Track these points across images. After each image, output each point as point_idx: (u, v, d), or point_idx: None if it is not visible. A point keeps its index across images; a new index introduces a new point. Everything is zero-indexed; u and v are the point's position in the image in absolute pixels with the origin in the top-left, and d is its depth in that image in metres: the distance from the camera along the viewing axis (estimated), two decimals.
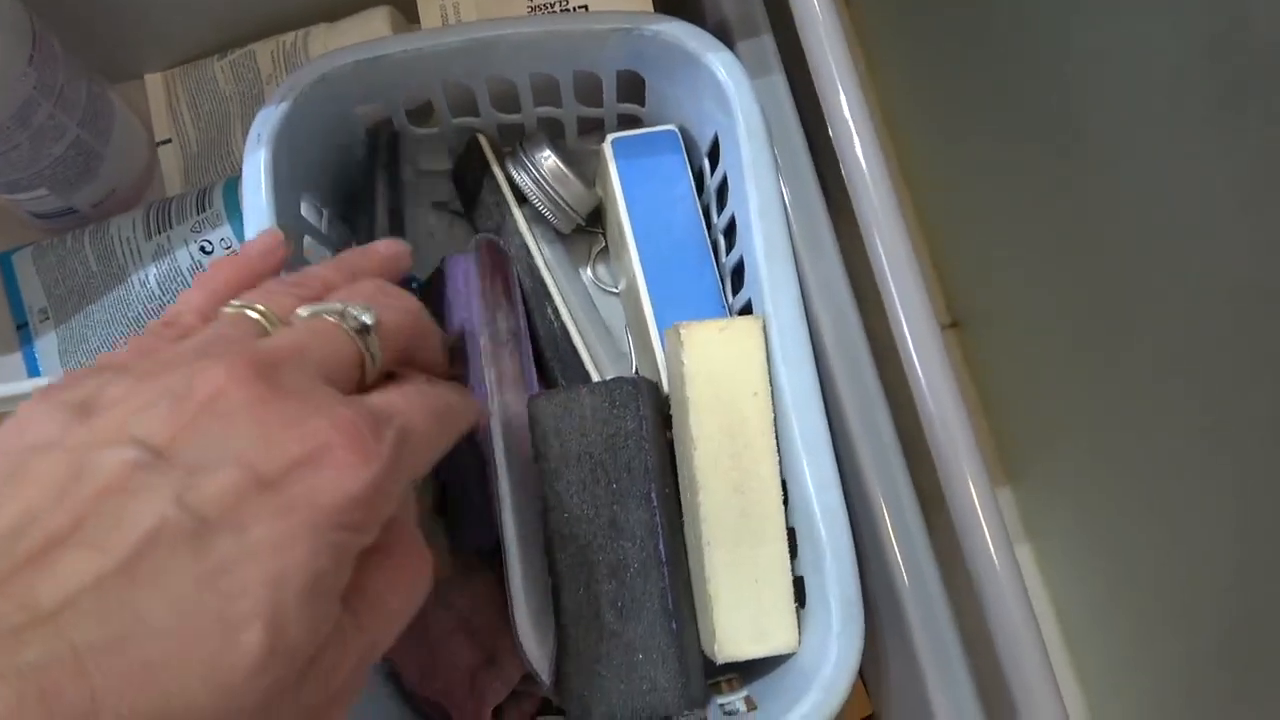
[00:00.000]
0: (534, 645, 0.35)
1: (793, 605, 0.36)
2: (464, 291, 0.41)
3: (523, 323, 0.43)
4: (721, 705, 0.38)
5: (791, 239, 0.38)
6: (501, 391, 0.38)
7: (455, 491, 0.39)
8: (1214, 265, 0.32)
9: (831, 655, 0.34)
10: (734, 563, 0.36)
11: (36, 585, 0.17)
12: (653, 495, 0.36)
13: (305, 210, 0.41)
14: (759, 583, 0.36)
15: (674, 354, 0.38)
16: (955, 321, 0.56)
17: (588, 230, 0.49)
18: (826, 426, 0.36)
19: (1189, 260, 0.34)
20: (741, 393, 0.37)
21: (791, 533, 0.37)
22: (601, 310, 0.48)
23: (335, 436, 0.20)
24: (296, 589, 0.19)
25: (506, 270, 0.43)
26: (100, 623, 0.16)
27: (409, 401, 0.24)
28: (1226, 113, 0.30)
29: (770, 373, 0.37)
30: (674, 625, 0.36)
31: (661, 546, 0.36)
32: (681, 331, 0.37)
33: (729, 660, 0.36)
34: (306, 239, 0.41)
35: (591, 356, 0.45)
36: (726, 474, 0.36)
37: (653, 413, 0.39)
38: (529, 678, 0.40)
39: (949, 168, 0.53)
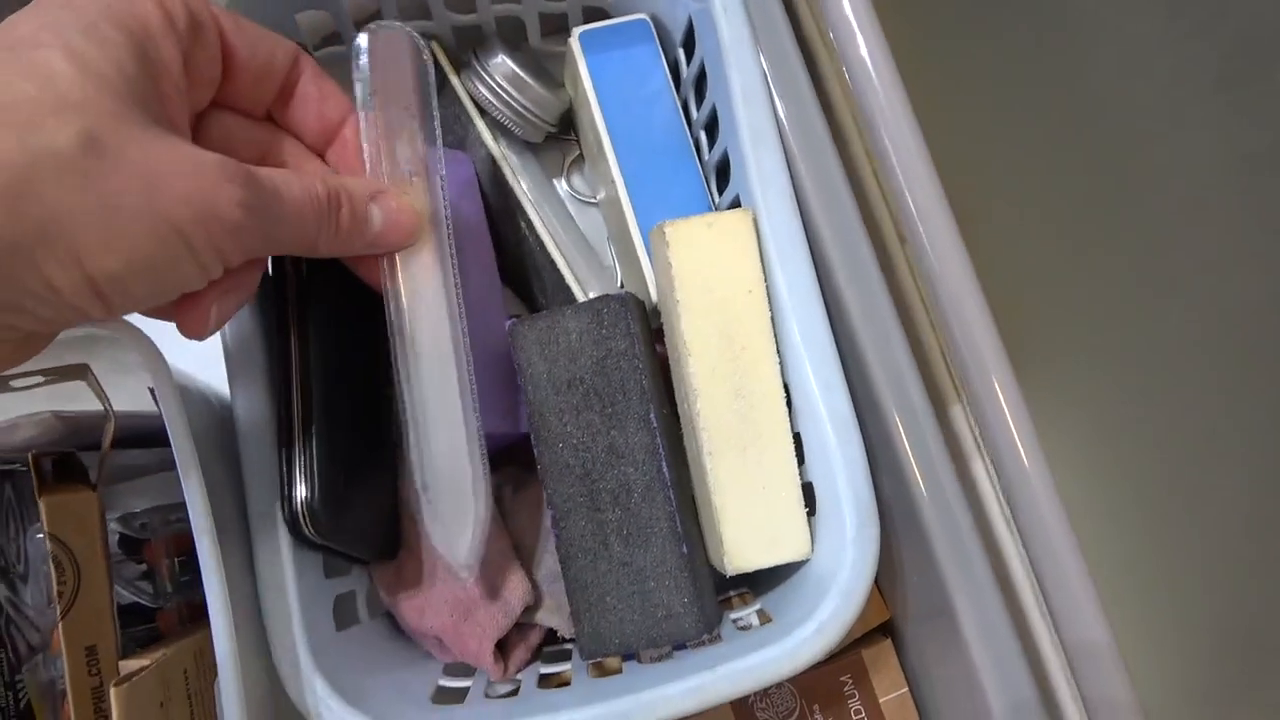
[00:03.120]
0: (439, 534, 0.32)
1: (803, 511, 0.34)
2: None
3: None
4: (734, 620, 0.36)
5: (779, 125, 0.35)
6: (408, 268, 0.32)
7: None
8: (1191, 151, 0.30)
9: (847, 560, 0.32)
10: (739, 471, 0.34)
11: None
12: (652, 417, 0.34)
13: None
14: (766, 489, 0.34)
15: (660, 256, 0.35)
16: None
17: (560, 138, 0.46)
18: (828, 324, 0.34)
19: (1169, 154, 0.31)
20: (735, 291, 0.34)
21: (798, 438, 0.35)
22: (580, 224, 0.46)
23: None
24: None
25: (414, 65, 0.33)
26: None
27: None
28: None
29: (765, 270, 0.35)
30: (684, 548, 0.34)
31: (665, 468, 0.34)
32: (667, 230, 0.34)
33: (739, 572, 0.34)
34: None
35: (573, 273, 0.42)
36: (725, 379, 0.34)
37: (643, 329, 0.36)
38: (532, 609, 0.39)
39: (942, 71, 0.50)
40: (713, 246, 0.34)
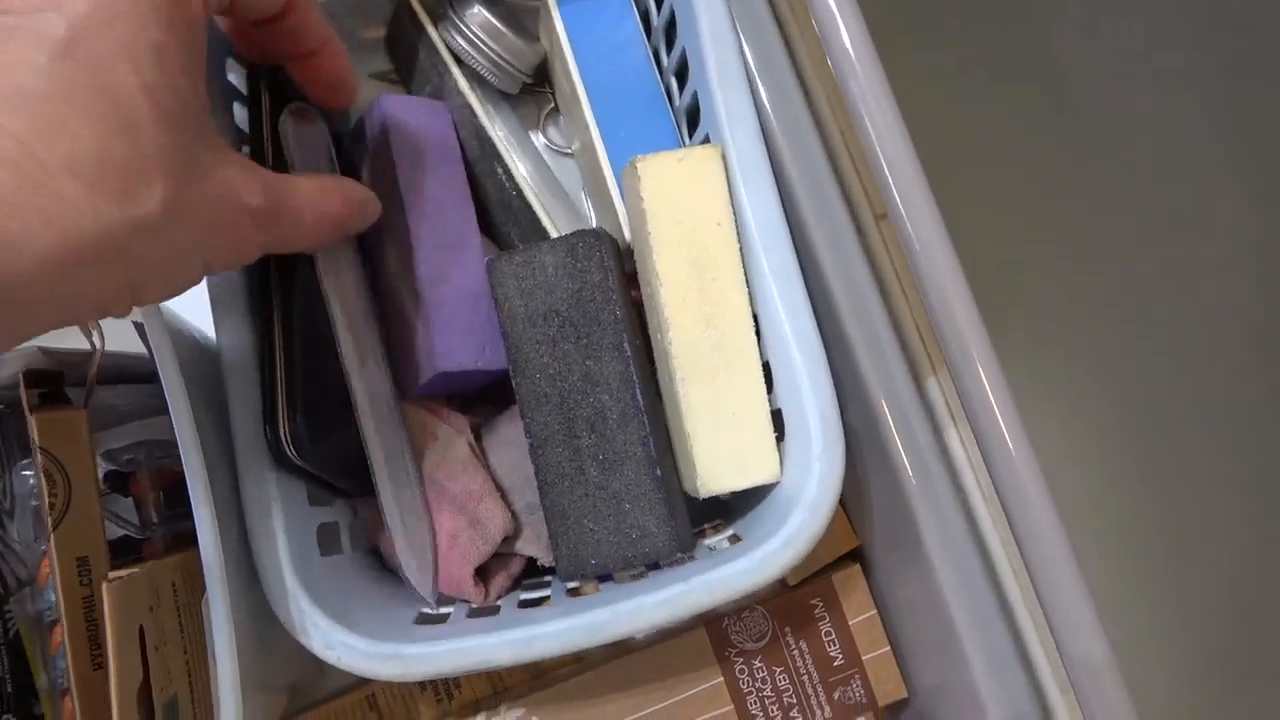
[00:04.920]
0: (415, 572, 0.35)
1: (772, 435, 0.36)
2: None
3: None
4: (708, 546, 0.38)
5: (746, 66, 0.37)
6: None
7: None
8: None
9: (814, 475, 0.33)
10: (710, 397, 0.35)
11: None
12: (625, 345, 0.35)
13: (232, 76, 0.39)
14: (736, 415, 0.35)
15: (632, 191, 0.37)
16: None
17: (535, 90, 0.47)
18: (794, 254, 0.35)
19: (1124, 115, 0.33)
20: (705, 224, 0.36)
21: (767, 367, 0.37)
22: (557, 175, 0.47)
23: None
24: None
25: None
26: None
27: None
28: None
29: (734, 204, 0.36)
30: (658, 471, 0.35)
31: (639, 395, 0.35)
32: (639, 165, 0.36)
33: (712, 494, 0.35)
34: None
35: (550, 217, 0.44)
36: (696, 308, 0.36)
37: (617, 265, 0.37)
38: (510, 539, 0.40)
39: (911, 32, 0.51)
40: (683, 180, 0.36)
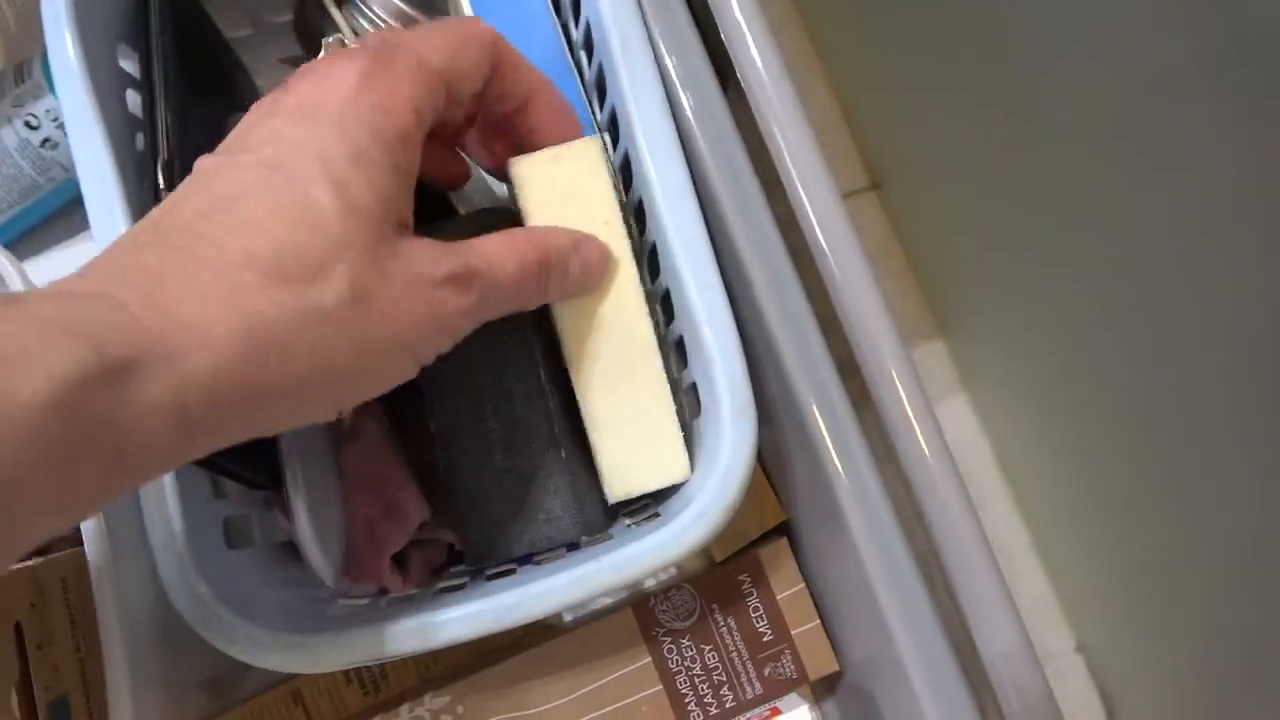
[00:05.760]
0: (316, 553, 0.34)
1: (680, 435, 0.34)
2: None
3: None
4: (628, 524, 0.37)
5: (648, 30, 0.36)
6: None
7: None
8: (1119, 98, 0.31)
9: (725, 446, 0.33)
10: (610, 402, 0.34)
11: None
12: (528, 326, 0.35)
13: (125, 63, 0.38)
14: (639, 417, 0.34)
15: (514, 195, 0.35)
16: (875, 183, 0.55)
17: None
18: (704, 228, 0.35)
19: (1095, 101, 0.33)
20: (591, 224, 0.34)
21: (680, 343, 0.36)
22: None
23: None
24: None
25: None
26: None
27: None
28: None
29: (641, 178, 0.35)
30: (562, 453, 0.34)
31: (543, 375, 0.34)
32: (512, 168, 0.34)
33: (622, 499, 0.34)
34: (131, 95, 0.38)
35: (467, 207, 0.43)
36: (589, 316, 0.34)
37: None
38: (427, 525, 0.39)
39: (860, 28, 0.51)
40: (562, 180, 0.34)
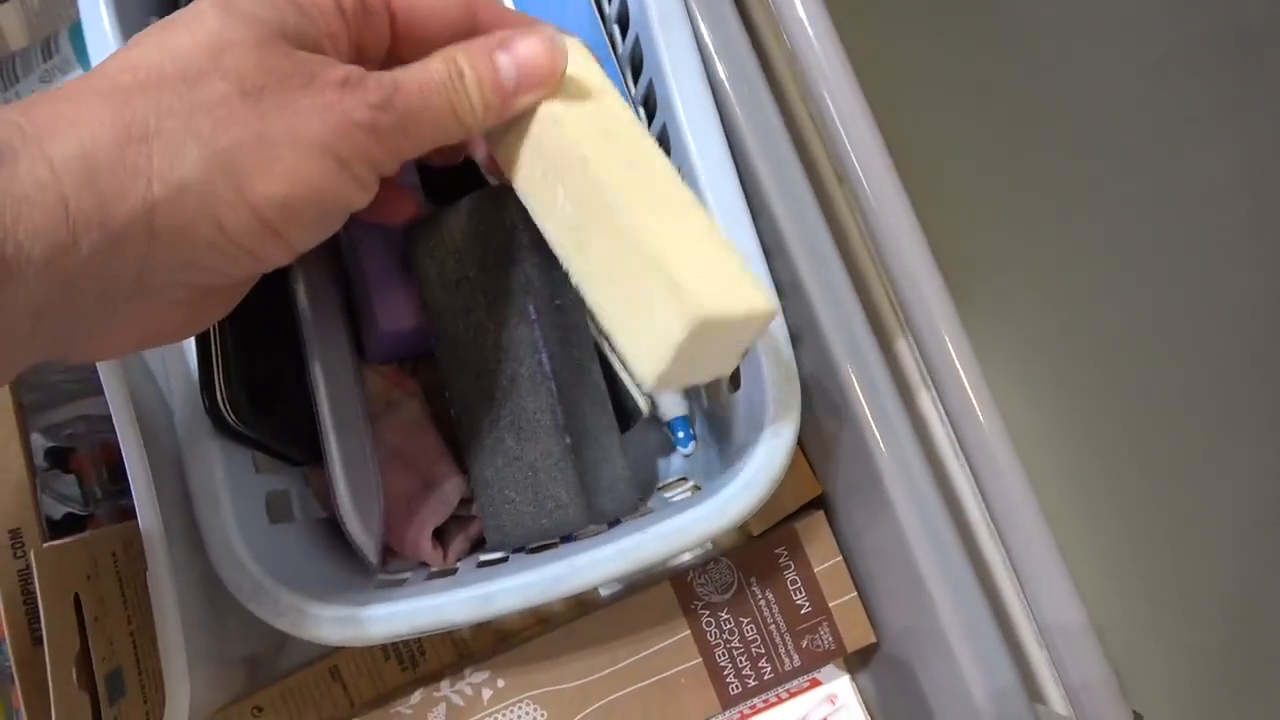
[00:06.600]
0: (358, 528, 0.34)
1: (747, 266, 0.28)
2: None
3: None
4: (668, 498, 0.37)
5: (686, 2, 0.36)
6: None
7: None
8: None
9: (770, 408, 0.33)
10: (665, 225, 0.27)
11: None
12: (530, 310, 0.34)
13: None
14: (702, 243, 0.27)
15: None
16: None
17: None
18: (743, 197, 0.35)
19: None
20: (606, 105, 0.29)
21: None
22: None
23: None
24: None
25: None
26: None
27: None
28: None
29: (680, 150, 0.35)
30: (567, 440, 0.34)
31: (545, 360, 0.34)
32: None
33: (707, 319, 0.25)
34: None
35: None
36: (614, 151, 0.28)
37: (525, 223, 0.35)
38: (468, 502, 0.39)
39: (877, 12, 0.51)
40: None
